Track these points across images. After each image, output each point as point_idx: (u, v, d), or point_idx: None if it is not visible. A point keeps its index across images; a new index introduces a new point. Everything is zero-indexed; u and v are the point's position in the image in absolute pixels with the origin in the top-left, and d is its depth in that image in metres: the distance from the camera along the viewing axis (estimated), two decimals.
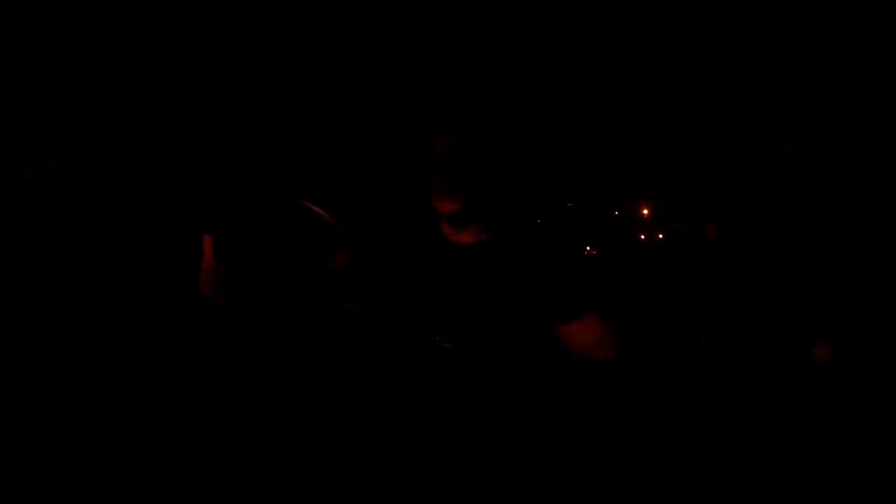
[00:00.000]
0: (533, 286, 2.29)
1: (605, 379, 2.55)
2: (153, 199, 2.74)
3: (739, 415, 2.30)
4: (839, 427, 2.20)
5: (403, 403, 2.27)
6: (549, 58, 3.10)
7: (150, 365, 2.18)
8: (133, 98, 2.65)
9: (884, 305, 2.64)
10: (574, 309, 2.28)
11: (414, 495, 2.06)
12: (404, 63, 3.01)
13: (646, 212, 3.45)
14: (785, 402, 2.35)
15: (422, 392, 2.32)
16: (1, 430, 2.02)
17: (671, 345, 2.94)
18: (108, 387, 2.14)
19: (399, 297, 2.42)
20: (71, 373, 2.21)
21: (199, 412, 2.15)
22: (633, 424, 2.26)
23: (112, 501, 1.94)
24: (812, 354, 2.72)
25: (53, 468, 1.95)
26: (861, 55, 2.80)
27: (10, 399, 2.07)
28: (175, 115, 2.75)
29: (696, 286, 3.11)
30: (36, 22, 2.76)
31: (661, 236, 3.44)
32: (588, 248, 3.27)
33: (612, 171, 3.40)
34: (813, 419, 2.25)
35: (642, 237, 3.47)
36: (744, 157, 3.27)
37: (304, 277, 2.53)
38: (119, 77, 2.78)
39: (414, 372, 2.43)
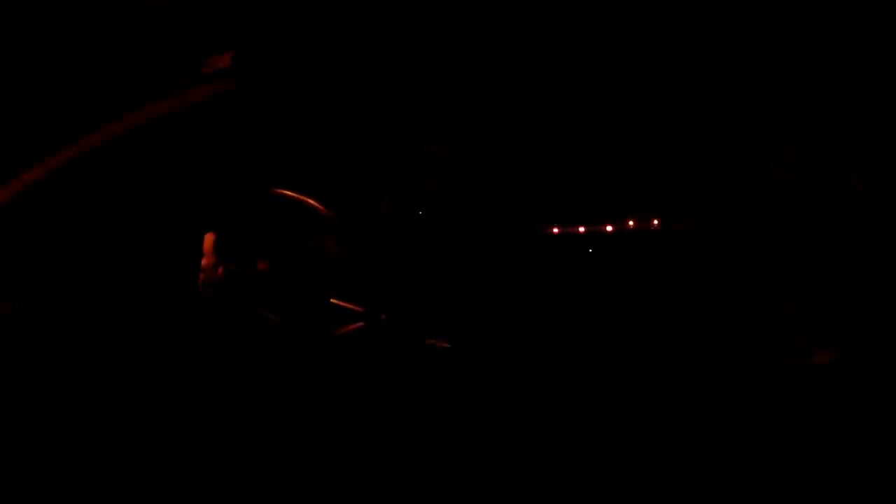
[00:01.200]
0: (532, 285, 2.29)
1: (605, 379, 2.55)
2: (153, 199, 2.74)
3: (740, 415, 2.30)
4: (839, 427, 2.20)
5: (403, 403, 2.27)
6: (548, 57, 3.10)
7: (150, 365, 2.18)
8: (133, 98, 2.65)
9: (884, 305, 2.65)
10: (573, 307, 2.29)
11: (414, 495, 2.06)
12: (404, 63, 3.02)
13: (646, 212, 3.45)
14: (785, 403, 2.35)
15: (422, 392, 2.32)
16: (1, 430, 2.02)
17: (671, 345, 2.94)
18: (108, 387, 2.14)
19: (398, 296, 2.42)
20: (71, 373, 2.21)
21: (199, 412, 2.15)
22: (634, 424, 2.26)
23: (112, 501, 1.94)
24: (812, 354, 2.72)
25: (53, 468, 1.95)
26: (861, 55, 2.80)
27: (10, 399, 2.07)
28: (175, 114, 2.75)
29: (697, 286, 3.12)
30: (36, 22, 2.76)
31: (661, 236, 3.45)
32: (588, 247, 3.28)
33: (613, 170, 3.40)
34: (813, 419, 2.25)
35: (643, 236, 3.47)
36: (744, 156, 3.28)
37: (304, 277, 2.53)
38: (119, 77, 2.79)
39: (414, 372, 2.44)
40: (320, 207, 2.51)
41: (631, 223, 3.48)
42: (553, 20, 3.02)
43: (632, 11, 2.97)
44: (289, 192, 2.55)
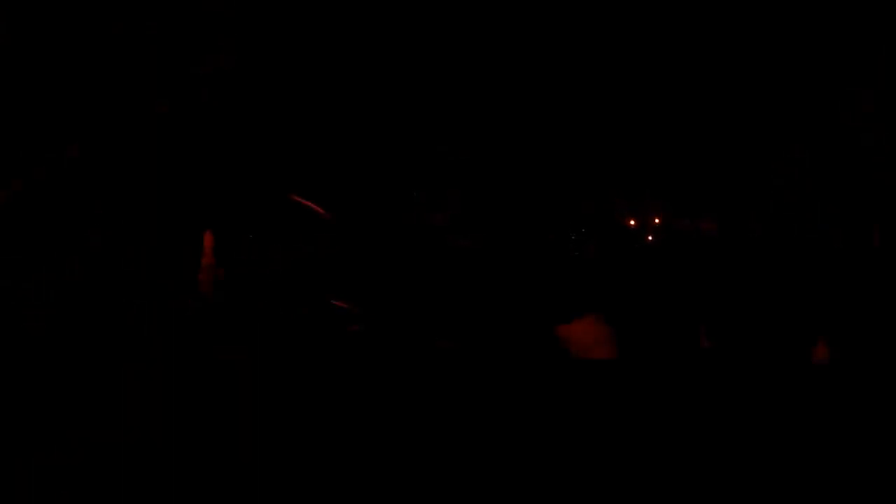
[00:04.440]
0: (532, 286, 2.29)
1: (605, 379, 2.55)
2: (156, 199, 2.74)
3: (740, 415, 2.30)
4: (839, 427, 2.20)
5: (403, 403, 2.27)
6: (553, 62, 3.10)
7: (149, 364, 2.18)
8: (134, 99, 2.65)
9: (883, 305, 2.65)
10: (574, 309, 2.28)
11: (414, 495, 2.06)
12: (405, 71, 3.01)
13: (649, 212, 3.46)
14: (785, 402, 2.35)
15: (422, 392, 2.32)
16: (0, 429, 2.02)
17: (671, 345, 2.94)
18: (107, 386, 2.14)
19: (398, 297, 2.42)
20: (72, 372, 2.20)
21: (198, 412, 2.15)
22: (634, 424, 2.26)
23: (110, 501, 1.94)
24: (812, 354, 2.72)
25: (53, 468, 1.95)
26: (860, 57, 2.80)
27: (10, 399, 2.06)
28: (177, 117, 2.75)
29: (697, 286, 3.12)
30: (38, 24, 2.76)
31: (662, 236, 3.45)
32: (589, 247, 3.28)
33: (616, 172, 3.41)
34: (813, 419, 2.25)
35: (644, 237, 3.48)
36: (745, 157, 3.28)
37: (303, 277, 2.54)
38: (121, 78, 2.78)
39: (414, 372, 2.44)
40: (320, 210, 2.51)
41: (633, 224, 3.48)
42: (559, 25, 3.01)
43: (639, 17, 2.97)
44: (293, 196, 2.55)
